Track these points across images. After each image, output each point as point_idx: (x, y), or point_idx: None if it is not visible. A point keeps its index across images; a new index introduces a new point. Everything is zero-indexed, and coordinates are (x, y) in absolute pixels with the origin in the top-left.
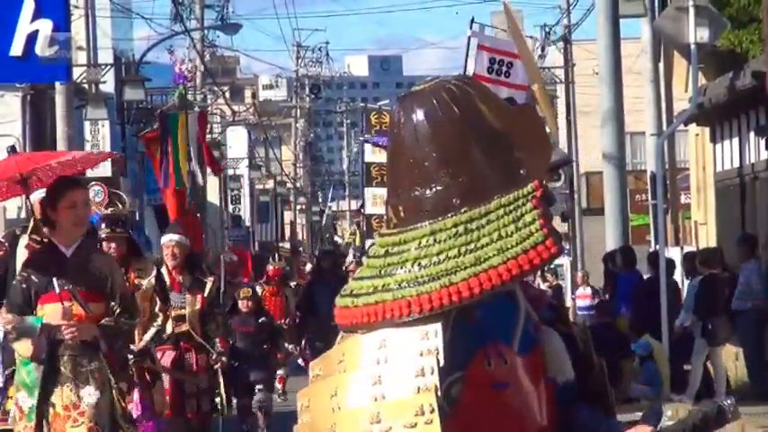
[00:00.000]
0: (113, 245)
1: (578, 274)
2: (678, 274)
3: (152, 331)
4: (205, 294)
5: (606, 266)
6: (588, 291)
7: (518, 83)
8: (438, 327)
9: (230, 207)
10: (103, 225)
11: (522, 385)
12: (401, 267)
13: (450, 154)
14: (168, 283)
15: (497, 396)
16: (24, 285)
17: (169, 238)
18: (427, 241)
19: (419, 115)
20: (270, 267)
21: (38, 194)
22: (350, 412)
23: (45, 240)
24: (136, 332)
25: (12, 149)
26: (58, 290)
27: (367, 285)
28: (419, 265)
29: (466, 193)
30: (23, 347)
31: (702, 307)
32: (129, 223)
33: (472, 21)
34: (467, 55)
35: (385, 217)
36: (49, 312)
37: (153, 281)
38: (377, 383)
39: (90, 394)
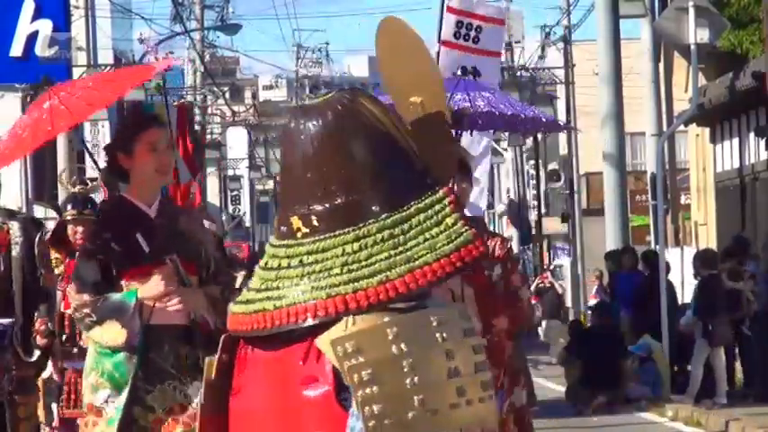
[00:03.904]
0: (80, 228)
1: (591, 274)
2: (677, 275)
3: None
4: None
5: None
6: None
7: (490, 49)
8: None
9: (230, 207)
10: (69, 206)
11: None
12: (327, 272)
13: (365, 165)
14: None
15: None
16: (101, 257)
17: None
18: (352, 248)
19: (328, 127)
20: None
21: None
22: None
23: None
24: None
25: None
26: (150, 260)
27: (279, 294)
28: (348, 270)
29: (384, 201)
30: (110, 333)
31: (702, 308)
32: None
33: None
34: (441, 18)
35: (279, 228)
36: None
37: None
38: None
39: (198, 391)
